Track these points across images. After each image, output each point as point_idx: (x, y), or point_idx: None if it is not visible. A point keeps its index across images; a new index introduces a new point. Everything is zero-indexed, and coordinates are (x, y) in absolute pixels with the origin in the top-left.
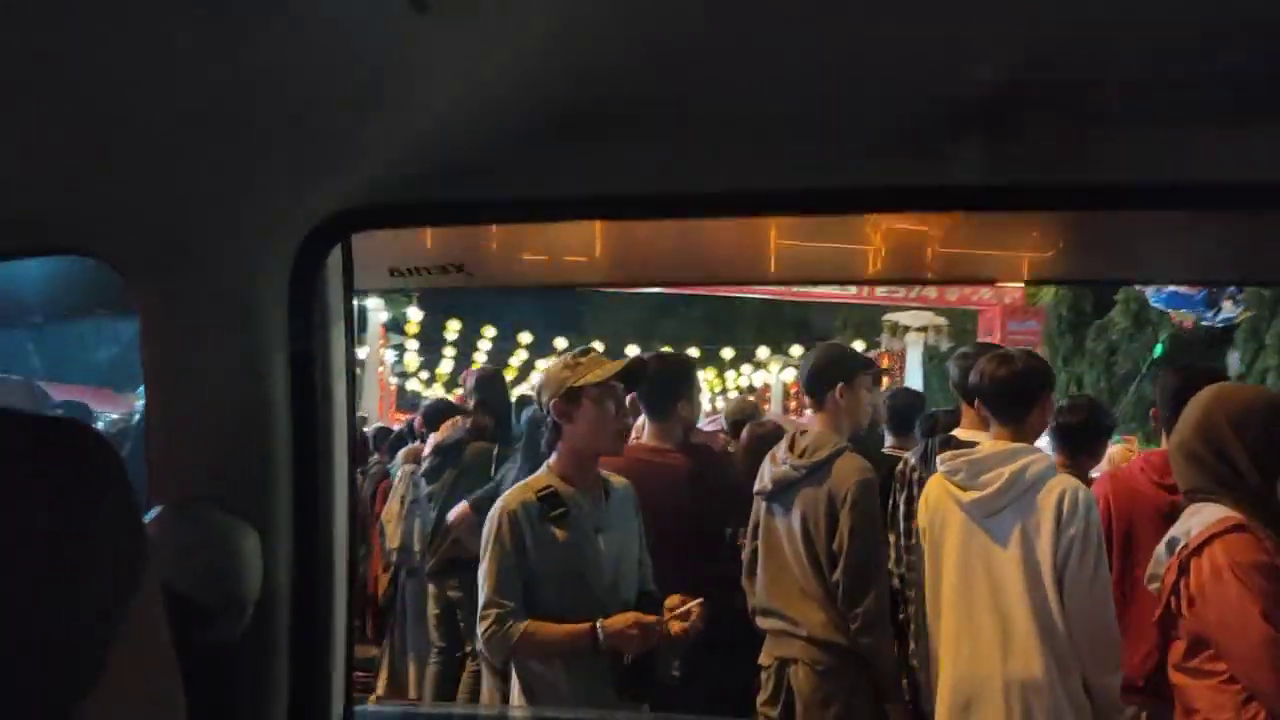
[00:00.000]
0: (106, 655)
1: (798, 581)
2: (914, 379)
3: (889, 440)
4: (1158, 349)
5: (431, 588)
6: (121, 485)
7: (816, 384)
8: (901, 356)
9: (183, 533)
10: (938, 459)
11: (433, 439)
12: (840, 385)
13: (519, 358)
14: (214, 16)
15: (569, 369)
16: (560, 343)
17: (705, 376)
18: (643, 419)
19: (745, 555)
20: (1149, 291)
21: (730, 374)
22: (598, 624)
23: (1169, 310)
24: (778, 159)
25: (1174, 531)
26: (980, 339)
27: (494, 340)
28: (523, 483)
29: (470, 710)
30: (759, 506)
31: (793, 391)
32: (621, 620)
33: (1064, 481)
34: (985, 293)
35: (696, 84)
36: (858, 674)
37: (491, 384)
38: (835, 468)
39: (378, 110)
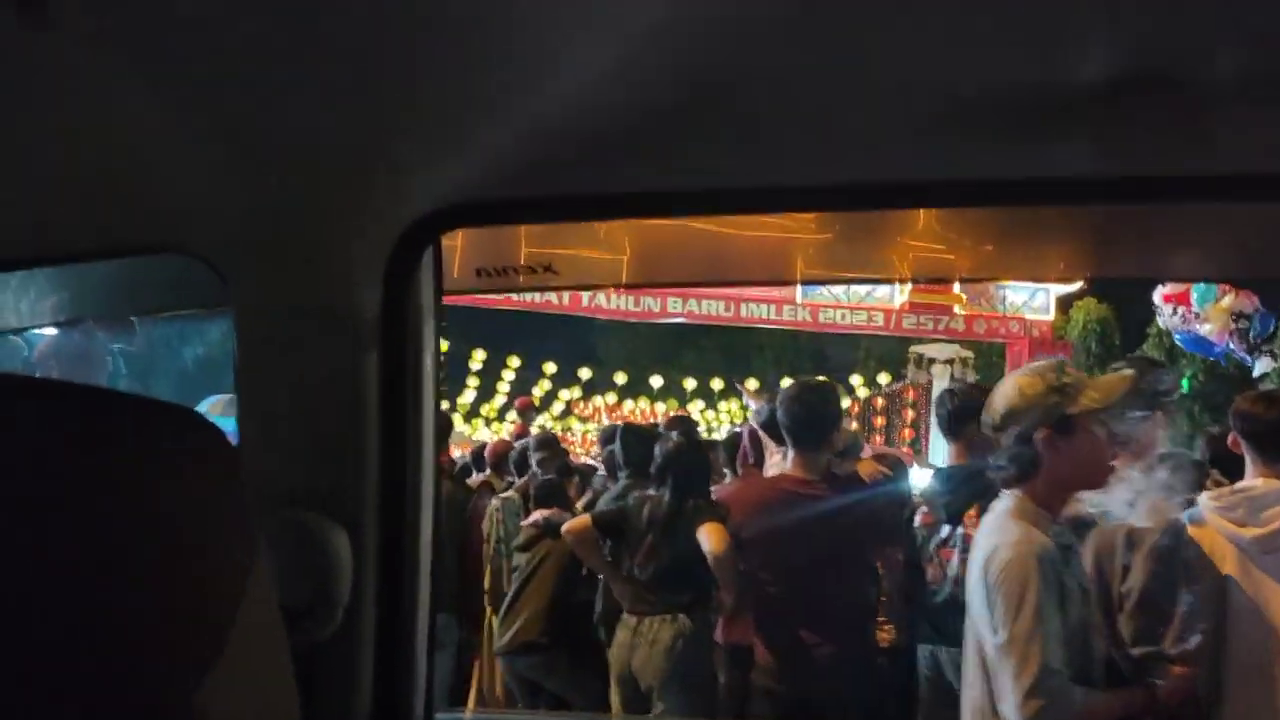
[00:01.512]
0: (225, 640)
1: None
2: None
3: None
4: (1184, 384)
5: (500, 664)
6: (235, 471)
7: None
8: (927, 389)
9: (275, 534)
10: (1206, 497)
11: (539, 514)
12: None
13: (542, 388)
14: (315, 20)
15: (1057, 392)
16: (584, 373)
17: (729, 408)
18: (779, 448)
19: None
20: (1175, 334)
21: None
22: (1155, 685)
23: (1190, 351)
24: (878, 151)
25: None
26: (1009, 373)
27: (518, 370)
28: (1012, 516)
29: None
30: None
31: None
32: (1182, 675)
33: None
34: (1013, 325)
35: (801, 75)
36: None
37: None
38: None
39: (476, 107)
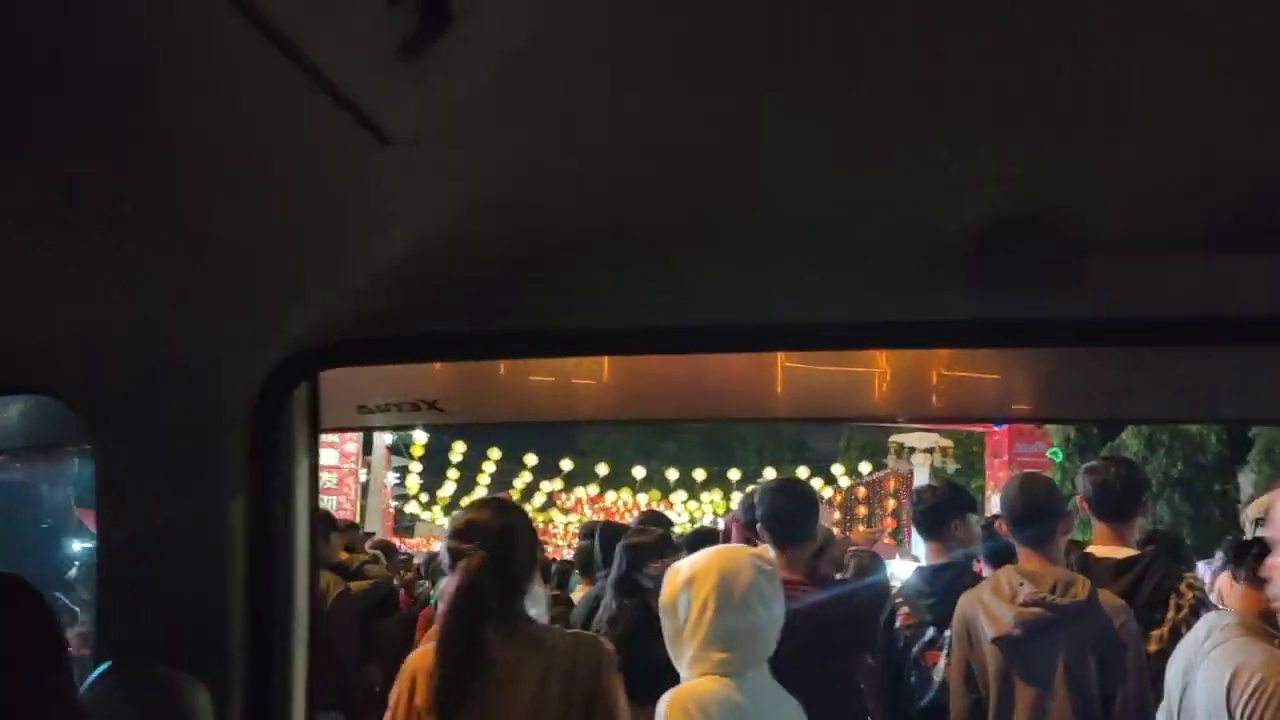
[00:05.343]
0: None
1: None
2: None
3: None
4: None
5: None
6: (54, 635)
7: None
8: (908, 478)
9: (131, 690)
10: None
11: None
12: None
13: (523, 480)
14: (181, 162)
15: None
16: (565, 464)
17: (712, 498)
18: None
19: (962, 709)
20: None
21: (738, 496)
22: None
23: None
24: (763, 292)
25: None
26: (989, 461)
27: (499, 463)
28: (1249, 635)
29: None
30: (993, 654)
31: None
32: None
33: None
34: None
35: (677, 215)
36: None
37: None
38: (1103, 604)
39: (339, 247)
